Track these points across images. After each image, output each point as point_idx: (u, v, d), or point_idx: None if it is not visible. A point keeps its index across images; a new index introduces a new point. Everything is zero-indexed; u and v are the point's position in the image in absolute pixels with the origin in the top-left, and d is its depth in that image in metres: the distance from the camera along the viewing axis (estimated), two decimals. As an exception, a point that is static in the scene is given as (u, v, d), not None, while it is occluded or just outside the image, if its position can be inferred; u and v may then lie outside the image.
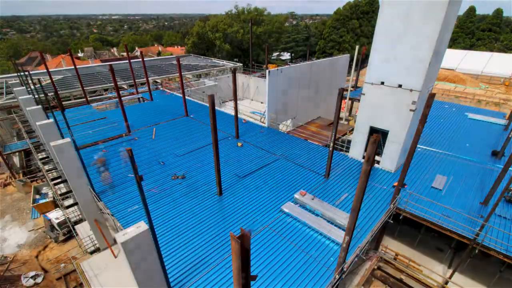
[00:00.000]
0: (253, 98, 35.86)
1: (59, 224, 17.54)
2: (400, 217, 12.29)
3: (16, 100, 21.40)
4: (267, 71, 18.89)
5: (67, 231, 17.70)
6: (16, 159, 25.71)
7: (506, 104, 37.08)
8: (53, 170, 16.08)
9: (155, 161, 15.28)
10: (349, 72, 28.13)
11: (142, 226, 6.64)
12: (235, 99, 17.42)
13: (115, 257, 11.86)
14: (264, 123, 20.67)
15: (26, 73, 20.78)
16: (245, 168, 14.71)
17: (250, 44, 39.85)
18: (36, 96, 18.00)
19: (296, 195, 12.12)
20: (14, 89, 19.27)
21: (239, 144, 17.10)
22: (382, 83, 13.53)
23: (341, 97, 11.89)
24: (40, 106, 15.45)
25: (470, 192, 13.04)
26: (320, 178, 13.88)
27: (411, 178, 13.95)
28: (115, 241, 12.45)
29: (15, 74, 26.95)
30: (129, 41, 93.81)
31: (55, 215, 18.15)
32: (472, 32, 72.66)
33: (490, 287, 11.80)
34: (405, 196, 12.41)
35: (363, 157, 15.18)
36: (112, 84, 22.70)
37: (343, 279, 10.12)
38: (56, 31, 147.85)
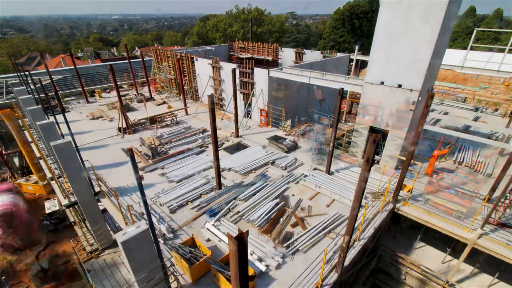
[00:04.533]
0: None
1: (50, 214, 18.84)
2: (400, 218, 12.29)
3: (16, 100, 21.41)
4: (267, 70, 18.93)
5: (57, 222, 18.96)
6: (16, 159, 25.73)
7: (506, 104, 37.02)
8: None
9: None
10: (349, 72, 28.17)
11: (142, 225, 6.65)
12: (235, 98, 17.42)
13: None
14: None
15: (26, 73, 20.80)
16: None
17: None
18: (36, 96, 18.01)
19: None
20: (14, 89, 19.28)
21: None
22: (382, 83, 13.54)
23: (341, 97, 11.90)
24: (40, 106, 15.46)
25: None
26: (320, 178, 13.90)
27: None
28: (115, 241, 12.46)
29: (15, 74, 26.97)
30: (129, 41, 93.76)
31: (49, 205, 19.34)
32: (472, 32, 72.59)
33: (490, 287, 11.80)
34: (405, 196, 12.41)
35: (363, 157, 15.19)
36: (112, 83, 22.74)
37: (343, 279, 10.13)
38: (56, 31, 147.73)
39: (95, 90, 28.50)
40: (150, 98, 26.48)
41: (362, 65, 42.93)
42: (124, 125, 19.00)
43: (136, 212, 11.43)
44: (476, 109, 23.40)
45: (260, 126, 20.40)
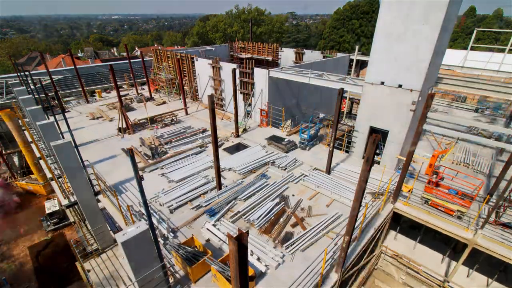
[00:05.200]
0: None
1: (49, 214, 19.16)
2: (400, 218, 12.28)
3: (16, 100, 21.41)
4: (267, 71, 18.93)
5: (57, 222, 19.32)
6: (16, 159, 25.73)
7: (506, 104, 37.00)
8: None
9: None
10: (349, 72, 28.16)
11: (142, 225, 6.65)
12: (235, 99, 17.43)
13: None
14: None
15: (26, 73, 20.79)
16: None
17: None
18: (36, 96, 18.00)
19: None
20: (14, 89, 19.28)
21: None
22: (382, 83, 13.54)
23: (341, 97, 11.90)
24: (40, 106, 15.45)
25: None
26: (320, 178, 13.90)
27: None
28: (114, 241, 12.45)
29: (15, 74, 26.97)
30: (129, 41, 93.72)
31: (49, 205, 19.59)
32: (472, 32, 72.57)
33: (490, 287, 11.81)
34: (405, 196, 12.41)
35: (363, 157, 15.17)
36: (112, 83, 22.75)
37: (343, 279, 10.12)
38: (56, 31, 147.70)
39: (95, 90, 28.52)
40: (150, 98, 26.48)
41: (362, 65, 42.94)
42: (124, 125, 19.01)
43: (136, 212, 11.43)
44: (476, 110, 23.40)
45: (260, 126, 20.40)
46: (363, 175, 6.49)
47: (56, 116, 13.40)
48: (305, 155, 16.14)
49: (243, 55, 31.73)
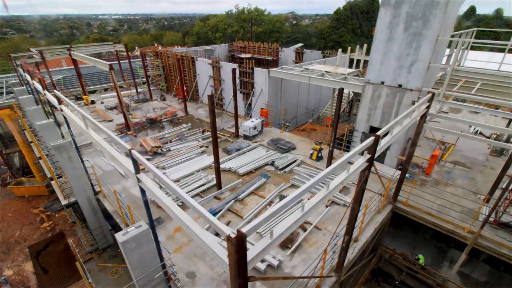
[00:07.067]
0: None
1: None
2: (400, 218, 12.26)
3: (16, 99, 21.41)
4: (267, 70, 18.94)
5: None
6: (16, 159, 25.73)
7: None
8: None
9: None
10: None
11: (142, 225, 6.65)
12: (235, 98, 17.42)
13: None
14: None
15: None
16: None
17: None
18: (36, 96, 17.99)
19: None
20: (14, 89, 19.28)
21: None
22: (382, 82, 13.54)
23: (341, 96, 11.90)
24: (40, 106, 15.46)
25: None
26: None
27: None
28: (114, 241, 12.46)
29: (15, 74, 26.95)
30: (129, 41, 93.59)
31: None
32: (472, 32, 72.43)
33: (490, 286, 11.80)
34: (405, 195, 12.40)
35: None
36: (112, 84, 22.73)
37: (343, 279, 10.12)
38: (56, 31, 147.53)
39: (95, 90, 28.52)
40: (150, 99, 26.47)
41: (362, 65, 42.90)
42: (125, 126, 19.00)
43: (136, 212, 11.42)
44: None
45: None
46: (362, 175, 6.49)
47: (56, 116, 13.38)
48: (304, 155, 16.13)
49: (243, 55, 31.73)
